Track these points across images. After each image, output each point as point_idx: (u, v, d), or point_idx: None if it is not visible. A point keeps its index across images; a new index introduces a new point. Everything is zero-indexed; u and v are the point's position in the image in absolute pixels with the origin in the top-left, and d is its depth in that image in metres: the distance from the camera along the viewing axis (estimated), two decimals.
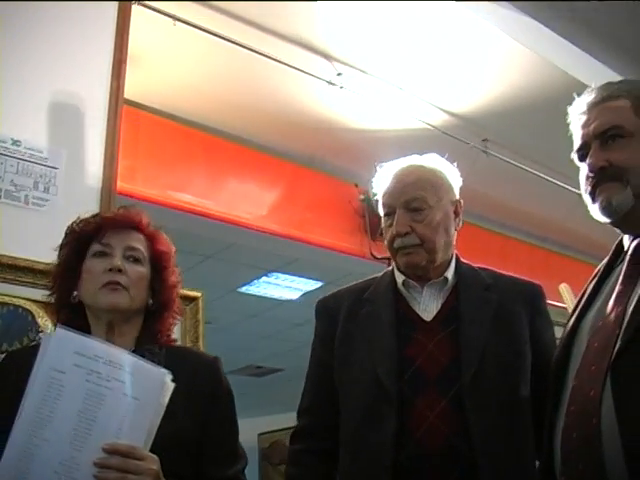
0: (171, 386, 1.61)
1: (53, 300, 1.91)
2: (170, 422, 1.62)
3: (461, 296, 2.09)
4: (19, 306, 2.46)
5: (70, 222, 1.97)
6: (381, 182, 2.16)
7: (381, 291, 2.14)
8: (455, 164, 2.24)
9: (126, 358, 1.62)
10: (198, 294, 2.81)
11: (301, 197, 4.38)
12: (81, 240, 1.88)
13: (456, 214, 2.14)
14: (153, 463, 1.57)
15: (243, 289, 6.33)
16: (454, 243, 2.16)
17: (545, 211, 5.28)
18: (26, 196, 2.64)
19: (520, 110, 4.19)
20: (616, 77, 4.07)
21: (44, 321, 2.46)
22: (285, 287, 6.39)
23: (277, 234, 4.29)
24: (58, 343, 1.59)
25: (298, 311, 6.80)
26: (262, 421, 9.62)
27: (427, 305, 2.09)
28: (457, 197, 2.15)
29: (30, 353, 1.65)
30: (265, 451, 10.07)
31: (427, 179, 2.09)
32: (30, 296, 2.44)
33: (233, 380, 1.96)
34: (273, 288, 6.40)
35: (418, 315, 2.07)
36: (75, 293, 1.85)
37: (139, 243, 1.89)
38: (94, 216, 1.96)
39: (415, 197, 2.05)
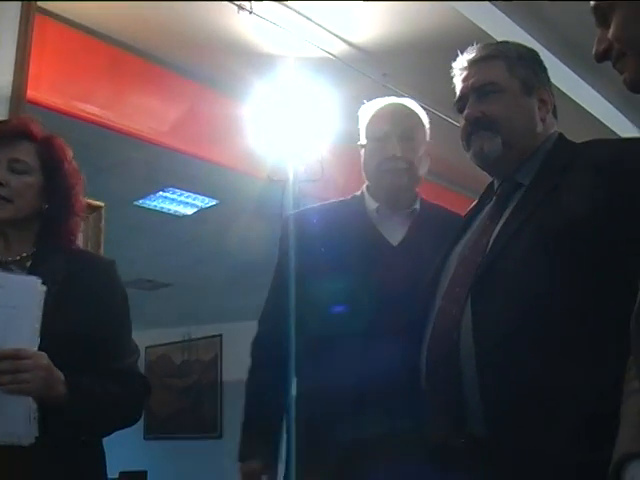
0: (43, 289, 1.74)
1: None
2: (65, 320, 1.78)
3: (423, 226, 2.36)
4: None
5: None
6: (368, 114, 2.46)
7: (351, 215, 2.38)
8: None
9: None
10: (101, 204, 2.92)
11: (202, 116, 4.44)
12: None
13: (426, 154, 2.49)
14: (41, 358, 1.72)
15: (139, 202, 6.37)
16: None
17: (435, 147, 5.47)
18: None
19: (419, 49, 4.33)
20: (516, 29, 4.27)
21: None
22: (180, 202, 6.46)
23: (176, 150, 4.37)
24: None
25: (191, 228, 6.90)
26: (150, 334, 9.73)
27: (395, 231, 2.35)
28: (427, 139, 2.52)
29: None
30: (152, 364, 10.20)
31: (417, 115, 2.48)
32: None
33: None
34: (169, 203, 6.46)
35: (386, 239, 2.33)
36: None
37: (25, 153, 1.97)
38: None
39: (409, 127, 2.41)
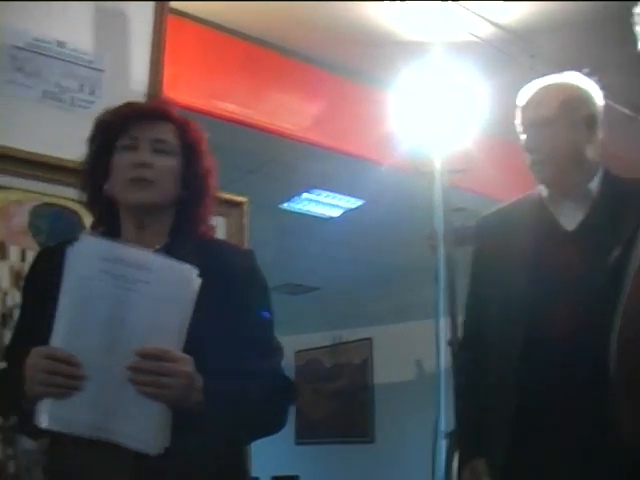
0: (198, 282, 1.59)
1: (85, 190, 1.87)
2: (204, 317, 1.61)
3: (602, 209, 2.21)
4: (66, 207, 2.47)
5: None
6: (520, 100, 2.31)
7: (528, 206, 2.31)
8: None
9: (152, 258, 1.61)
10: (244, 199, 2.81)
11: (344, 110, 4.33)
12: (109, 132, 1.82)
13: (588, 127, 2.22)
14: (186, 365, 1.57)
15: (284, 205, 6.30)
16: (593, 156, 2.25)
17: None
18: (72, 98, 2.63)
19: (568, 26, 4.06)
20: None
21: (90, 222, 2.45)
22: (326, 204, 6.34)
23: (320, 145, 4.27)
24: (83, 250, 1.57)
25: (338, 230, 6.78)
26: (299, 339, 9.71)
27: (570, 217, 2.24)
28: (591, 112, 2.24)
29: (60, 251, 1.63)
30: (301, 368, 10.18)
31: (555, 97, 2.22)
32: (76, 197, 2.39)
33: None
34: (314, 205, 6.36)
35: (561, 226, 2.23)
36: (106, 188, 1.80)
37: (168, 133, 1.82)
38: (121, 107, 1.89)
39: (545, 114, 2.20)
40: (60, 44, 2.64)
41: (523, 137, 2.27)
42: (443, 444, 3.19)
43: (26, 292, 1.89)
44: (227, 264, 1.81)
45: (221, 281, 1.71)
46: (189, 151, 1.85)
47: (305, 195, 6.15)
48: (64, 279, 1.55)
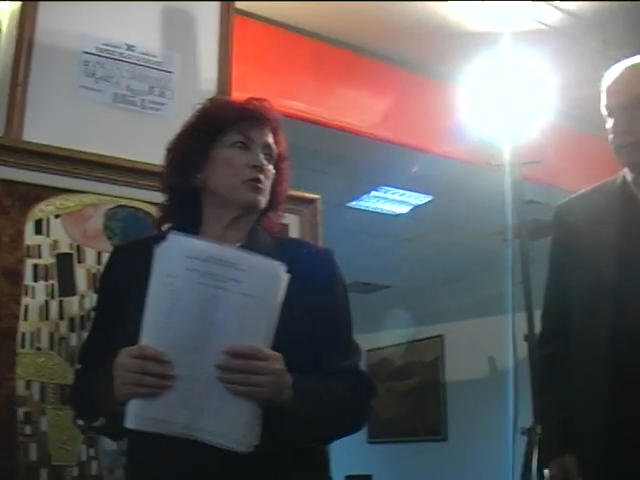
0: (286, 278, 1.57)
1: (169, 178, 1.84)
2: (287, 315, 1.58)
3: None
4: (139, 209, 2.48)
5: None
6: (605, 82, 2.26)
7: (611, 191, 2.25)
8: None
9: (239, 255, 1.58)
10: (317, 196, 2.79)
11: (414, 105, 4.30)
12: (217, 123, 1.79)
13: None
14: (277, 362, 1.55)
15: (352, 204, 6.27)
16: None
17: None
18: (142, 100, 2.66)
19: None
20: None
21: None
22: (394, 201, 6.29)
23: (390, 141, 4.24)
24: (172, 249, 1.55)
25: (407, 227, 6.73)
26: (370, 338, 9.67)
27: None
28: None
29: (136, 249, 1.66)
30: (373, 367, 10.14)
31: None
32: (149, 199, 2.41)
33: None
34: (383, 202, 6.31)
35: None
36: (199, 176, 1.78)
37: (271, 139, 1.82)
38: (229, 101, 1.90)
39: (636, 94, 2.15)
40: (129, 47, 2.66)
41: (609, 121, 2.21)
42: (519, 441, 3.13)
43: (102, 291, 1.91)
44: (307, 262, 1.79)
45: (302, 279, 1.68)
46: (279, 162, 1.86)
47: (374, 193, 6.12)
48: (152, 278, 1.54)
